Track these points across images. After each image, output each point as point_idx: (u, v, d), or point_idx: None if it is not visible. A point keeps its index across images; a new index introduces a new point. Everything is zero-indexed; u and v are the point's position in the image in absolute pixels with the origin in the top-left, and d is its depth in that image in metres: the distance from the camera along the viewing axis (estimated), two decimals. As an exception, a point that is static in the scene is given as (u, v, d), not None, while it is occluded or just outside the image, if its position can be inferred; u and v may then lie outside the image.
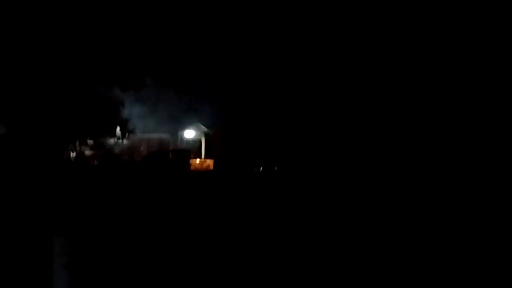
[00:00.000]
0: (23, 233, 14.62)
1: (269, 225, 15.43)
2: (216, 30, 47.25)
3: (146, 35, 45.56)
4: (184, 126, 53.62)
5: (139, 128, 46.56)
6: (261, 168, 44.99)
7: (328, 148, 44.62)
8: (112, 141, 44.33)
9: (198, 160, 44.60)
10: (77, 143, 41.18)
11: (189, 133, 53.87)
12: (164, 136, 52.42)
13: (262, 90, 50.75)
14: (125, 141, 45.27)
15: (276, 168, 44.65)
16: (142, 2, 43.65)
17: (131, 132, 44.42)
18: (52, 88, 38.35)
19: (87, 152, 43.04)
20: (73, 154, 42.00)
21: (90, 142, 42.21)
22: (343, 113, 44.73)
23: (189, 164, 42.63)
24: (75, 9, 40.59)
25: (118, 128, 43.88)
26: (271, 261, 11.91)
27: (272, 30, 46.62)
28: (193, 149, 50.32)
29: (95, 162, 42.50)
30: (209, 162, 43.69)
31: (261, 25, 46.24)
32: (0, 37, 37.37)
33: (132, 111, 48.25)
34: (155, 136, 51.97)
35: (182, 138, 54.05)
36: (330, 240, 13.81)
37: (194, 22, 46.62)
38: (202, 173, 39.16)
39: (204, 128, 53.89)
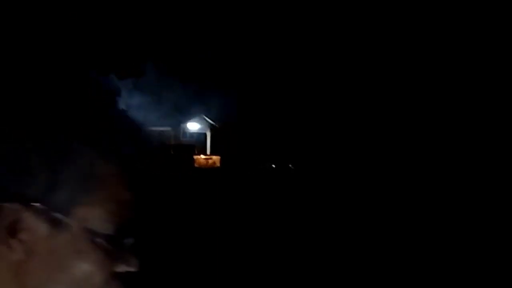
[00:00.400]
0: None
1: (282, 235, 15.28)
2: (228, 9, 47.44)
3: (146, 12, 45.30)
4: (188, 118, 53.47)
5: (138, 120, 46.15)
6: (273, 165, 44.69)
7: (346, 145, 45.10)
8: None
9: (203, 156, 44.30)
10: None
11: (193, 126, 53.53)
12: (165, 129, 52.29)
13: (274, 79, 50.61)
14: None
15: (290, 165, 44.35)
16: None
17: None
18: (30, 73, 38.03)
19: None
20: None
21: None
22: (360, 108, 46.39)
23: (193, 161, 42.27)
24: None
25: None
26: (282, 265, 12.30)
27: (290, 18, 47.37)
28: (197, 144, 50.04)
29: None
30: (215, 159, 43.17)
31: (279, 11, 47.16)
32: None
33: (129, 100, 48.00)
34: (155, 129, 51.86)
35: (185, 132, 53.85)
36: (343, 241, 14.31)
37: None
38: (208, 170, 38.71)
39: (209, 121, 53.68)
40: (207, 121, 52.10)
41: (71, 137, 0.94)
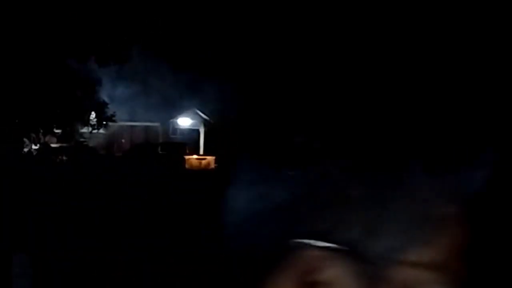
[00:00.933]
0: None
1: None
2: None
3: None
4: (178, 112, 53.38)
5: (120, 114, 46.25)
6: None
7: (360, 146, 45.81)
8: (85, 130, 44.02)
9: (195, 157, 44.21)
10: (40, 133, 40.84)
11: (184, 121, 53.48)
12: (152, 124, 52.22)
13: (279, 67, 50.65)
14: (102, 131, 44.94)
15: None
16: None
17: (110, 119, 44.03)
18: (5, 59, 37.61)
19: (53, 145, 42.85)
20: (34, 147, 41.69)
21: (57, 131, 41.88)
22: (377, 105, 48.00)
23: (184, 161, 42.17)
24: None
25: (93, 114, 43.53)
26: None
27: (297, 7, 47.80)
28: (188, 142, 49.93)
29: (63, 157, 42.22)
30: (210, 159, 43.19)
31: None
32: None
33: (111, 91, 48.02)
34: (141, 124, 51.77)
35: (174, 128, 53.82)
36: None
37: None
38: (201, 173, 38.66)
39: (203, 116, 53.59)
40: (200, 115, 52.03)
41: (404, 165, 0.79)
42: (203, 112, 51.93)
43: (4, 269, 13.11)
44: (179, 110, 51.86)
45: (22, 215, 17.98)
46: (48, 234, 16.44)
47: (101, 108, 43.84)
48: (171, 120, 51.76)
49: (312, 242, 0.77)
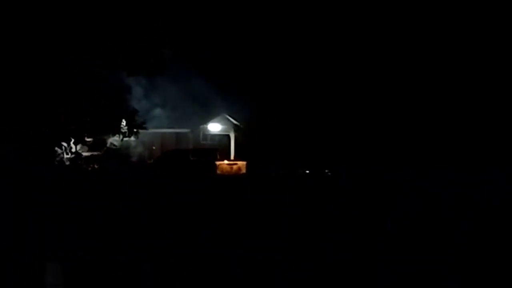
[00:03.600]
0: (7, 259, 14.59)
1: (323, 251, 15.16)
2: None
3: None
4: (208, 118, 53.44)
5: (150, 121, 46.43)
6: (307, 171, 44.42)
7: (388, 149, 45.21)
8: (116, 138, 44.19)
9: (226, 162, 44.18)
10: (71, 142, 41.03)
11: (215, 127, 53.48)
12: (183, 131, 52.29)
13: (307, 75, 50.48)
14: (133, 139, 45.08)
15: (326, 171, 44.06)
16: None
17: (140, 126, 44.19)
18: (36, 69, 37.58)
19: (85, 153, 42.99)
20: (66, 156, 41.87)
21: (88, 140, 42.08)
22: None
23: (215, 167, 42.19)
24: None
25: (123, 122, 43.66)
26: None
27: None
28: (219, 148, 49.97)
29: (95, 166, 42.30)
30: (241, 164, 43.10)
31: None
32: None
33: (141, 99, 48.17)
34: (171, 131, 51.88)
35: (205, 134, 53.84)
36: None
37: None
38: (232, 178, 38.59)
39: (233, 121, 53.59)
40: (230, 121, 51.99)
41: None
42: (233, 118, 51.85)
43: (36, 277, 13.15)
44: (209, 116, 51.81)
45: (55, 222, 18.04)
46: (81, 242, 16.49)
47: (131, 116, 43.99)
48: (202, 126, 51.73)
49: None
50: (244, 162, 43.30)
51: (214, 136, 52.34)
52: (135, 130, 44.09)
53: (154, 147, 48.58)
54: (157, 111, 47.96)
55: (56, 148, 41.22)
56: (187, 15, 46.14)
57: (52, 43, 39.00)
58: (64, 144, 41.39)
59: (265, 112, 49.39)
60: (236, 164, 43.37)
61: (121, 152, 43.71)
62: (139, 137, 44.93)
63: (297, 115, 49.28)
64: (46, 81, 38.94)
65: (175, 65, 46.28)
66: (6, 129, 38.01)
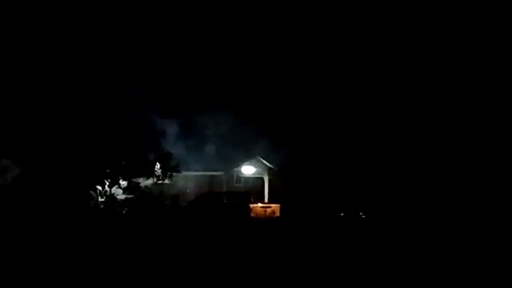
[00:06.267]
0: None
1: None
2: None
3: (196, 40, 45.65)
4: (242, 160, 53.40)
5: (184, 164, 46.45)
6: (342, 214, 44.11)
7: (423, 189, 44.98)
8: (150, 181, 44.25)
9: (260, 205, 43.96)
10: (106, 185, 41.12)
11: (248, 170, 53.40)
12: (216, 173, 52.26)
13: (340, 117, 50.46)
14: (166, 181, 45.11)
15: (361, 213, 43.73)
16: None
17: (174, 169, 44.26)
18: (71, 112, 37.87)
19: (119, 196, 43.05)
20: (100, 199, 41.92)
21: (122, 183, 42.14)
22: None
23: (249, 210, 42.00)
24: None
25: (157, 165, 43.77)
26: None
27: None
28: (253, 190, 49.82)
29: (129, 209, 42.34)
30: (275, 207, 42.89)
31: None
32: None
33: (175, 143, 48.32)
34: (205, 173, 51.87)
35: (239, 177, 53.76)
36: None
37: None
38: (266, 221, 38.38)
39: (267, 164, 53.52)
40: (264, 163, 51.90)
41: None
42: (266, 160, 51.77)
43: None
44: (242, 158, 51.82)
45: (90, 267, 17.93)
46: None
47: (165, 159, 44.09)
48: (235, 169, 51.71)
49: None
50: (278, 205, 43.07)
51: (247, 178, 52.27)
52: (169, 173, 44.15)
53: (188, 190, 48.58)
54: (191, 154, 48.03)
55: (91, 191, 41.31)
56: (222, 58, 46.37)
57: (91, 87, 39.39)
58: (99, 187, 41.49)
59: (298, 155, 49.30)
60: (270, 207, 43.14)
61: (155, 195, 43.68)
62: (173, 180, 44.94)
63: (332, 158, 49.12)
64: (83, 124, 39.20)
65: (208, 108, 46.47)
66: (42, 172, 38.21)
